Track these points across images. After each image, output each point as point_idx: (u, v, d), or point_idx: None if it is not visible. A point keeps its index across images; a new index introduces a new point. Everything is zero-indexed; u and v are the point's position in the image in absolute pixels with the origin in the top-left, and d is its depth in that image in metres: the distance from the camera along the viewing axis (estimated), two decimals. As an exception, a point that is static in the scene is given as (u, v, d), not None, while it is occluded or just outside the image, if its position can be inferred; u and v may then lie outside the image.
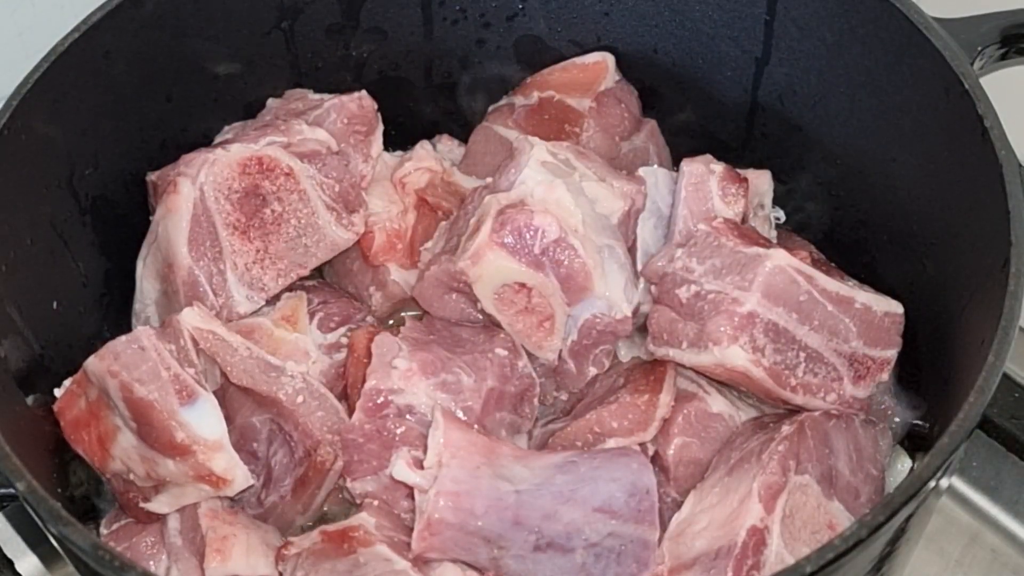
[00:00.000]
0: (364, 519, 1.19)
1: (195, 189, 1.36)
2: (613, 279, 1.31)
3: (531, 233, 1.28)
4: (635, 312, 1.35)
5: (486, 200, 1.32)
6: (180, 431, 1.18)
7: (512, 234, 1.28)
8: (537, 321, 1.32)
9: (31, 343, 1.28)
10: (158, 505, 1.23)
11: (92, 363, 1.22)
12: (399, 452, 1.23)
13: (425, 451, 1.20)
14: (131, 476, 1.23)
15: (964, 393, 1.06)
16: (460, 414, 1.24)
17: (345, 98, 1.50)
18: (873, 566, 1.07)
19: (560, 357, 1.34)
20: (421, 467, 1.16)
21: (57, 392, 1.28)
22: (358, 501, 1.26)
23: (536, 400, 1.34)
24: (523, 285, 1.30)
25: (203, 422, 1.20)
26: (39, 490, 1.04)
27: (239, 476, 1.21)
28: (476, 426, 1.24)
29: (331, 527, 1.20)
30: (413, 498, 1.19)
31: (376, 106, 1.52)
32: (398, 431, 1.24)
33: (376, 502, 1.24)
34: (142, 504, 1.24)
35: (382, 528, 1.19)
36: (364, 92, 1.52)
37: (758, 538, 1.15)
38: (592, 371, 1.35)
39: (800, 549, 1.16)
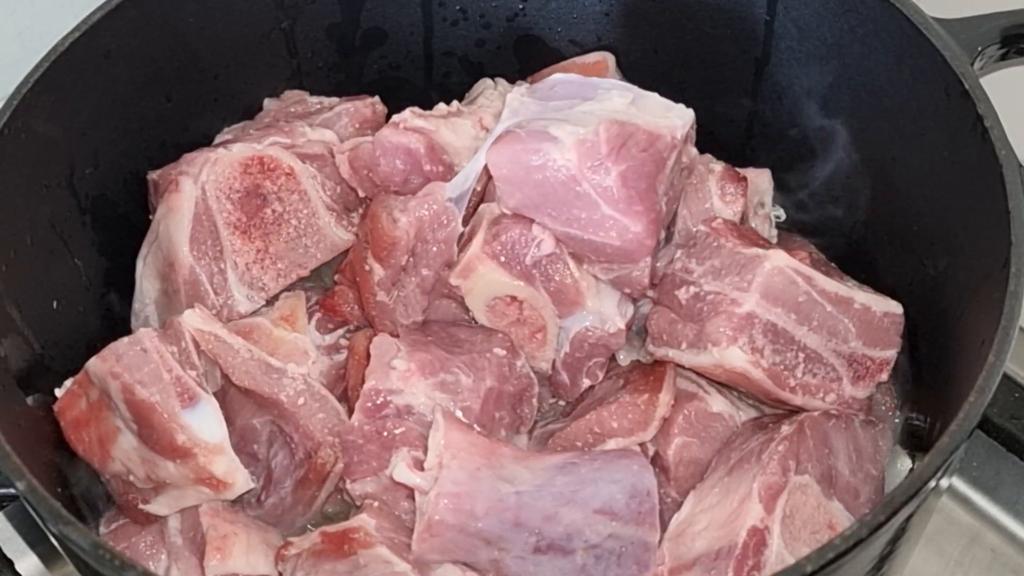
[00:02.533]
0: (364, 521, 1.19)
1: (197, 188, 1.36)
2: (607, 295, 1.31)
3: (524, 245, 1.28)
4: (634, 315, 1.35)
5: (480, 209, 1.32)
6: (181, 434, 1.18)
7: (505, 246, 1.28)
8: (529, 332, 1.32)
9: (31, 343, 1.28)
10: (157, 507, 1.23)
11: (94, 364, 1.22)
12: (399, 453, 1.23)
13: (425, 451, 1.20)
14: (131, 478, 1.22)
15: (964, 393, 1.06)
16: (459, 414, 1.24)
17: (359, 103, 1.52)
18: (873, 566, 1.07)
19: (554, 368, 1.34)
20: (421, 468, 1.16)
21: (58, 392, 1.28)
22: (358, 503, 1.26)
23: (535, 400, 1.34)
24: (514, 298, 1.30)
25: (204, 425, 1.20)
26: (39, 489, 1.04)
27: (240, 479, 1.21)
28: (475, 426, 1.23)
29: (331, 528, 1.20)
30: (413, 499, 1.18)
31: (387, 111, 1.53)
32: (397, 431, 1.24)
33: (376, 503, 1.24)
34: (141, 506, 1.24)
35: (382, 530, 1.19)
36: (377, 98, 1.54)
37: (758, 539, 1.15)
38: (586, 383, 1.35)
39: (800, 549, 1.16)
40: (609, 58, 1.55)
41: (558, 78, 1.35)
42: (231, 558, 1.19)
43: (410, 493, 1.20)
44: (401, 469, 1.15)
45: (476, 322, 1.34)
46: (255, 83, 1.54)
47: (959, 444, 1.03)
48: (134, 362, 1.20)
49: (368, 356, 1.29)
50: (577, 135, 1.24)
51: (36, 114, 1.29)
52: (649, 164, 1.26)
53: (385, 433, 1.24)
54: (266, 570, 1.21)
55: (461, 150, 1.41)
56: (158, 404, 1.18)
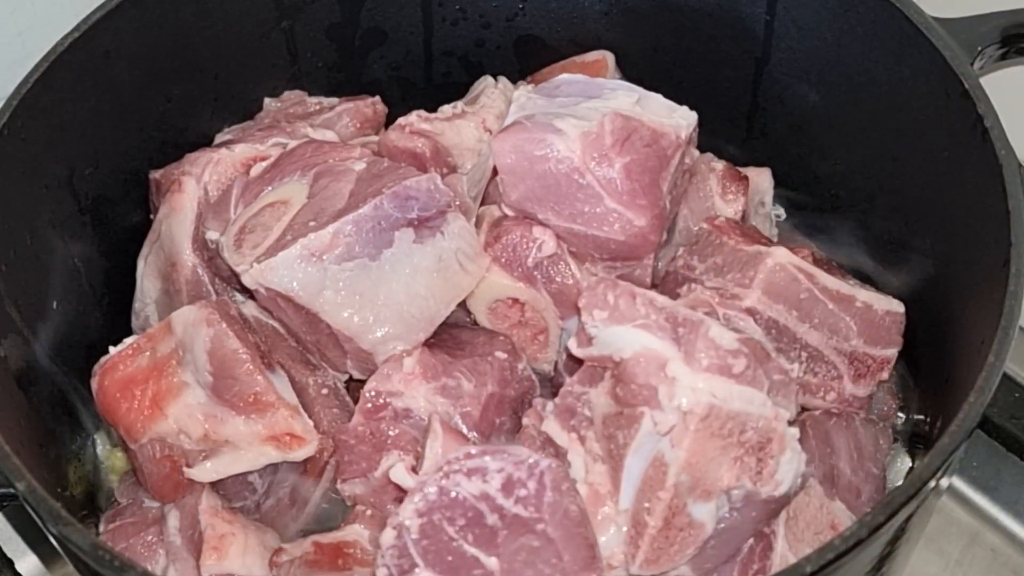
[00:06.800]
0: (358, 533, 1.19)
1: (199, 188, 1.36)
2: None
3: (525, 247, 1.28)
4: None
5: (480, 211, 1.32)
6: (268, 387, 1.21)
7: (506, 248, 1.28)
8: (531, 334, 1.32)
9: (31, 343, 1.27)
10: (201, 472, 1.23)
11: (187, 311, 1.24)
12: (389, 456, 1.23)
13: (416, 456, 1.20)
14: (181, 438, 1.23)
15: (964, 393, 1.06)
16: (459, 420, 1.24)
17: (360, 103, 1.52)
18: (873, 566, 1.07)
19: (556, 370, 1.34)
20: (412, 471, 1.16)
21: (112, 349, 1.27)
22: (348, 503, 1.27)
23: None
24: (516, 300, 1.30)
25: (282, 388, 1.23)
26: (39, 490, 1.04)
27: (314, 440, 1.22)
28: (474, 432, 1.23)
29: (324, 538, 1.20)
30: (400, 502, 1.18)
31: (387, 111, 1.53)
32: (391, 433, 1.23)
33: (368, 511, 1.24)
34: (185, 470, 1.23)
35: (376, 541, 1.19)
36: (378, 98, 1.54)
37: (764, 543, 1.15)
38: (587, 384, 1.35)
39: (804, 551, 1.16)
40: (609, 56, 1.55)
41: (564, 78, 1.35)
42: (227, 558, 1.19)
43: (398, 496, 1.20)
44: (398, 469, 1.14)
45: (478, 324, 1.34)
46: (255, 83, 1.54)
47: (959, 444, 1.03)
48: (227, 318, 1.23)
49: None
50: (581, 128, 1.24)
51: (36, 114, 1.29)
52: (653, 159, 1.26)
53: (379, 434, 1.24)
54: (261, 573, 1.21)
55: (465, 152, 1.41)
56: (250, 357, 1.21)
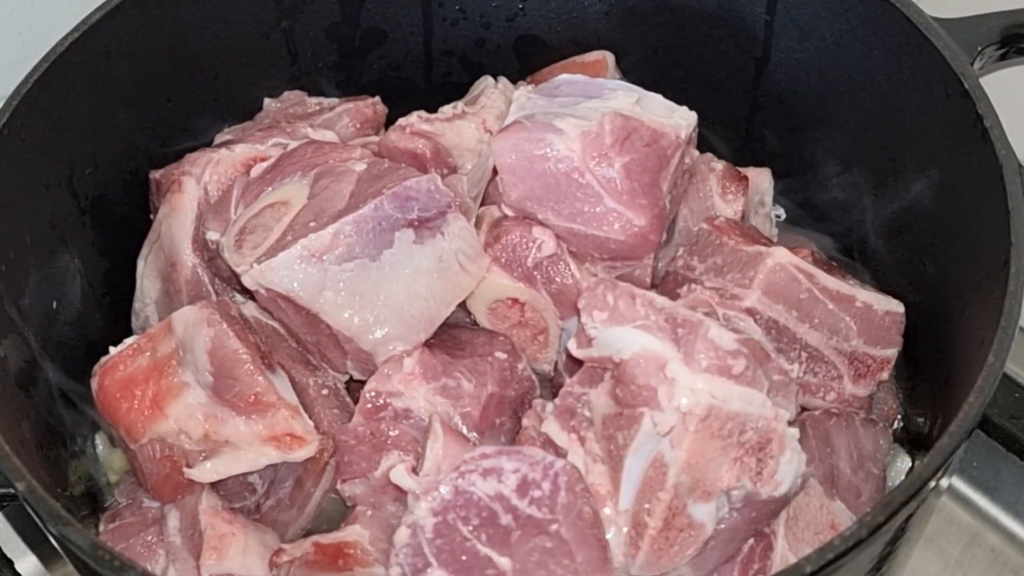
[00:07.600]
0: (358, 534, 1.19)
1: (199, 188, 1.36)
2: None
3: (525, 247, 1.28)
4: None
5: (480, 211, 1.32)
6: (269, 387, 1.21)
7: (506, 248, 1.28)
8: (531, 334, 1.32)
9: (31, 343, 1.27)
10: (201, 472, 1.23)
11: (187, 311, 1.24)
12: (389, 456, 1.23)
13: (416, 456, 1.20)
14: (181, 438, 1.23)
15: (964, 393, 1.06)
16: (459, 420, 1.24)
17: (360, 103, 1.52)
18: (873, 566, 1.07)
19: (556, 370, 1.34)
20: (414, 473, 1.16)
21: (113, 349, 1.27)
22: (348, 503, 1.27)
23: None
24: (516, 300, 1.30)
25: (282, 388, 1.23)
26: (39, 490, 1.04)
27: (314, 440, 1.22)
28: (474, 433, 1.23)
29: (324, 539, 1.19)
30: (401, 502, 1.18)
31: (387, 111, 1.53)
32: (391, 434, 1.23)
33: (369, 512, 1.24)
34: (185, 471, 1.23)
35: (376, 542, 1.19)
36: (378, 98, 1.54)
37: (765, 543, 1.15)
38: (587, 384, 1.35)
39: (804, 551, 1.16)
40: (609, 56, 1.55)
41: (564, 78, 1.35)
42: (227, 558, 1.19)
43: (398, 496, 1.20)
44: (399, 471, 1.14)
45: (477, 324, 1.34)
46: (255, 83, 1.54)
47: (959, 444, 1.03)
48: (228, 318, 1.23)
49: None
50: (581, 127, 1.24)
51: (36, 114, 1.29)
52: (653, 159, 1.26)
53: (379, 435, 1.24)
54: (261, 573, 1.21)
55: (465, 152, 1.41)
56: (250, 357, 1.21)
